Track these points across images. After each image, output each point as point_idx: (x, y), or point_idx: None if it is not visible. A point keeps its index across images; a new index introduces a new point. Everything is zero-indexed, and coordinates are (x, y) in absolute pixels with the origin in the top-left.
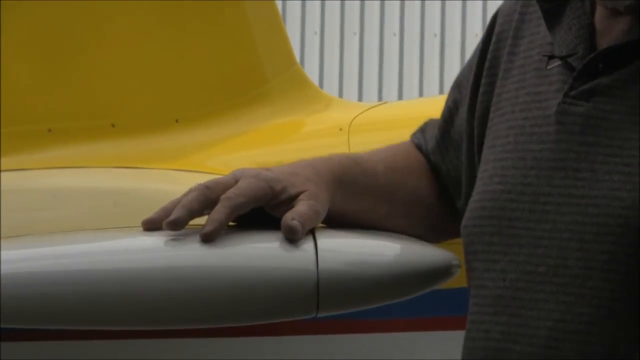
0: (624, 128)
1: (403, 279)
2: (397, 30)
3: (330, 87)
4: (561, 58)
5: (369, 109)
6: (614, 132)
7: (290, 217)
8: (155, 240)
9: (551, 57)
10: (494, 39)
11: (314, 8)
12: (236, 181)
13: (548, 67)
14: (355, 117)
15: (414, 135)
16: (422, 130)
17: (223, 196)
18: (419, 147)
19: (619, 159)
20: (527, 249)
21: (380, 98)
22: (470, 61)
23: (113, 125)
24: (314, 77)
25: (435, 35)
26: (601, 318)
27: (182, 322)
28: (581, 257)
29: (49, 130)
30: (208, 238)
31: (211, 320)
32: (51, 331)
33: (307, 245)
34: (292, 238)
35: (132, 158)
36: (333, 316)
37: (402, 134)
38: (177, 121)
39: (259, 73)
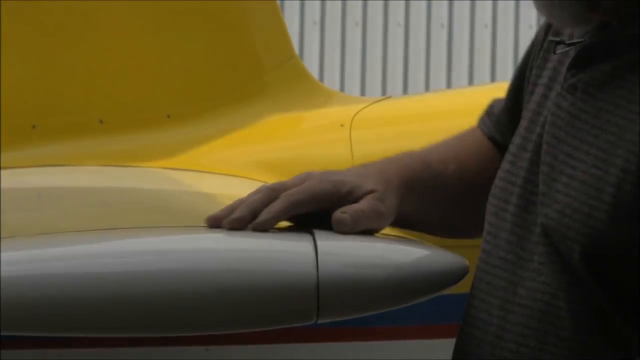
0: (587, 130)
1: (408, 283)
2: (402, 20)
3: (331, 81)
4: (567, 44)
5: (372, 103)
6: (581, 133)
7: (342, 211)
8: (152, 244)
9: (559, 43)
10: None
11: None
12: (302, 183)
13: (556, 52)
14: (357, 113)
15: (481, 120)
16: (488, 112)
17: (284, 193)
18: (486, 134)
19: (583, 164)
20: (506, 235)
21: (384, 92)
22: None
23: (101, 121)
24: (313, 70)
25: (443, 25)
26: (539, 312)
27: (174, 329)
28: (537, 252)
29: (34, 126)
30: (259, 227)
31: (206, 327)
32: (53, 338)
33: (307, 248)
34: (340, 230)
35: (122, 156)
36: (334, 323)
37: (407, 131)
38: (169, 117)
39: (255, 66)
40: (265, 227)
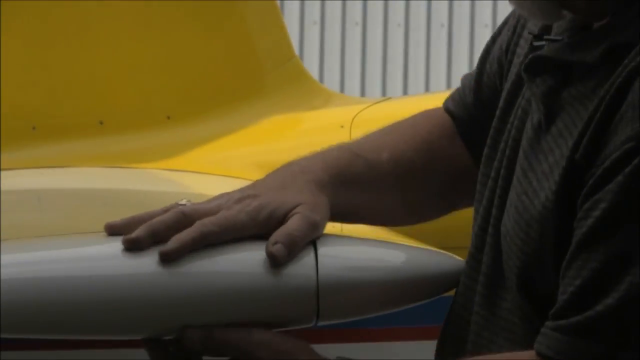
0: (530, 151)
1: (407, 286)
2: (401, 20)
3: (331, 81)
4: (546, 40)
5: (372, 105)
6: (534, 153)
7: (272, 242)
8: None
9: (536, 36)
10: None
11: None
12: (219, 210)
13: (533, 44)
14: (357, 114)
15: (445, 100)
16: (454, 92)
17: (198, 221)
18: (448, 113)
19: (520, 187)
20: (475, 240)
21: (383, 93)
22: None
23: (101, 123)
24: (313, 71)
25: (443, 25)
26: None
27: (173, 331)
28: (486, 262)
29: (34, 128)
30: (167, 257)
31: None
32: (55, 340)
33: (307, 252)
34: (277, 264)
35: (122, 157)
36: (334, 325)
37: None
38: (168, 118)
39: (254, 67)
40: (174, 258)
